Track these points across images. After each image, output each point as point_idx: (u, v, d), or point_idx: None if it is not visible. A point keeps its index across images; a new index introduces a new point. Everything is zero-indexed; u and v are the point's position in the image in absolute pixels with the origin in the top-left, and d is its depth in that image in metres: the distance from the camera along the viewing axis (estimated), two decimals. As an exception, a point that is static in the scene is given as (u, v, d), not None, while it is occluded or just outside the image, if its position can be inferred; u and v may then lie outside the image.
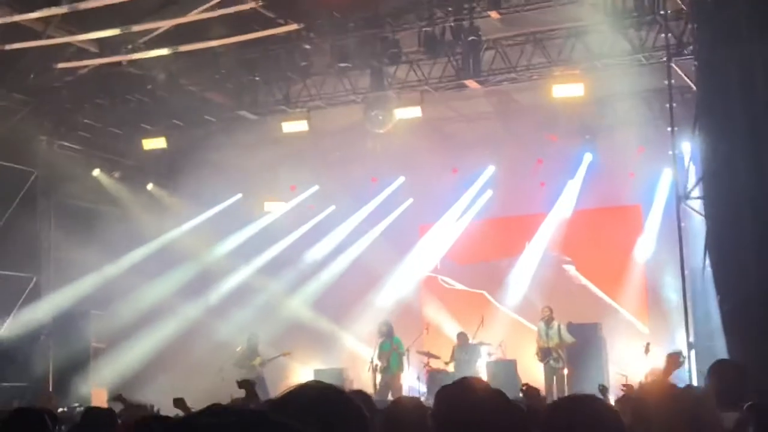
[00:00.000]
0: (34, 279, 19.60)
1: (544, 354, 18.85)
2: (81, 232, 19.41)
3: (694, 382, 12.88)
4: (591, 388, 12.69)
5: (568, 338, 18.89)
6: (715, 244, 14.67)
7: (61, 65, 18.03)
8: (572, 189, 22.01)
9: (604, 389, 13.98)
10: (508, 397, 3.83)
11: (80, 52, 18.20)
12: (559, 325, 19.04)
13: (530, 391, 7.96)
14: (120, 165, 21.54)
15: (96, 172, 21.16)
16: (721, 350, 13.62)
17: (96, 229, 19.98)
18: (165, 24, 16.74)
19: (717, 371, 6.00)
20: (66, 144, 20.30)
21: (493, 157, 22.58)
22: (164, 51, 17.24)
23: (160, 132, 20.60)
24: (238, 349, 20.01)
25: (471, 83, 18.38)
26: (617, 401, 8.40)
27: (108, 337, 19.88)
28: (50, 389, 18.93)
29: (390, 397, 17.07)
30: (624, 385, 12.13)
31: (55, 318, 19.62)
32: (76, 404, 18.10)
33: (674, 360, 6.05)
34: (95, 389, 19.08)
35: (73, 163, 20.23)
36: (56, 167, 19.88)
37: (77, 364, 19.07)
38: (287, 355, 20.47)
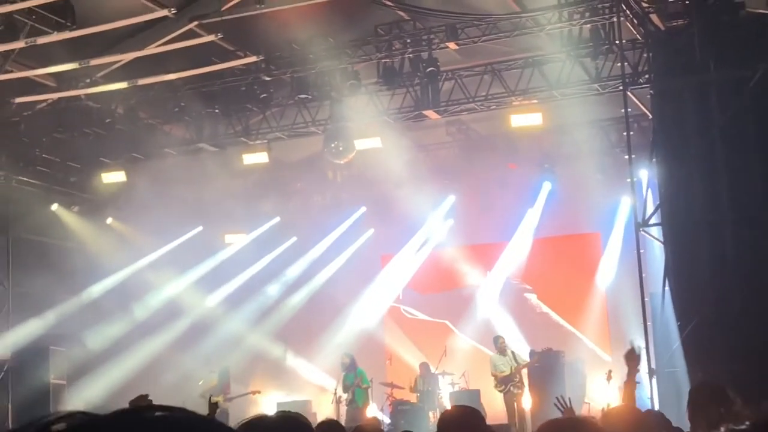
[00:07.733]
0: (-7, 315, 19.35)
1: (504, 382, 18.81)
2: (40, 268, 19.22)
3: (656, 407, 12.94)
4: (554, 416, 12.69)
5: (522, 360, 18.92)
6: (674, 270, 14.82)
7: (18, 100, 17.90)
8: (532, 217, 22.14)
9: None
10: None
11: (38, 86, 18.10)
12: (511, 352, 19.07)
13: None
14: (79, 199, 21.36)
15: (55, 206, 20.96)
16: (682, 375, 13.73)
17: (55, 264, 19.80)
18: (123, 57, 16.70)
19: (693, 395, 5.98)
20: (24, 179, 20.10)
21: (453, 187, 22.68)
22: (123, 84, 17.18)
23: (120, 165, 20.48)
24: (201, 383, 19.81)
25: (430, 113, 18.49)
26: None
27: (68, 374, 19.64)
28: (10, 428, 18.64)
29: None
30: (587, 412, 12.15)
31: (14, 354, 19.35)
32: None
33: (632, 357, 6.01)
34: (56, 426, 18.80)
35: (32, 198, 20.04)
36: (14, 202, 19.67)
37: (37, 401, 18.77)
38: (257, 394, 20.33)
